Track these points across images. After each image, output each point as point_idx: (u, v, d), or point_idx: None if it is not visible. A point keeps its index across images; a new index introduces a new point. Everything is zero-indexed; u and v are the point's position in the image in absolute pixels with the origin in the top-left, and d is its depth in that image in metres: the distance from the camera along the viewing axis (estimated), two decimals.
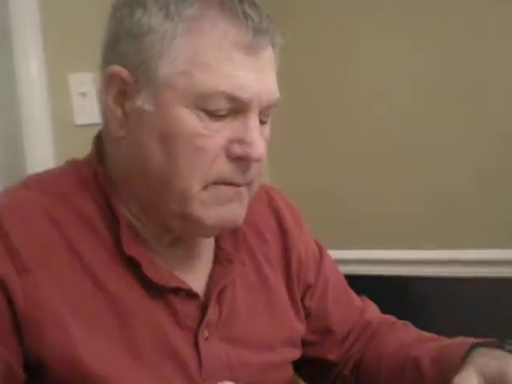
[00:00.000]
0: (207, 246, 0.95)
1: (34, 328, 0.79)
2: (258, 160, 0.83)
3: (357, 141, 2.05)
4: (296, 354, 1.04)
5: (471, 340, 0.91)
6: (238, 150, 0.82)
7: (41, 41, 1.75)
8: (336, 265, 1.15)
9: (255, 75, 0.82)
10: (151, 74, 0.81)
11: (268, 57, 0.85)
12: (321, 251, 1.12)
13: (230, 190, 0.84)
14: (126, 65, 0.82)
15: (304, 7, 2.08)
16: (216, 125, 0.81)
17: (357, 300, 1.14)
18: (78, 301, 0.82)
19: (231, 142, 0.82)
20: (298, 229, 1.08)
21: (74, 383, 0.80)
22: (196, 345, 0.88)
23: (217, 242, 0.96)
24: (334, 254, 1.19)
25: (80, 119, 1.80)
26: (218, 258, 0.94)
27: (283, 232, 1.05)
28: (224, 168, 0.82)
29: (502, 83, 1.81)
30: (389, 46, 1.96)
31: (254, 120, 0.83)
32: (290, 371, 1.03)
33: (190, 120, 0.80)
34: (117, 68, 0.83)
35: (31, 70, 1.74)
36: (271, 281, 1.01)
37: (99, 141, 0.92)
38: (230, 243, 0.95)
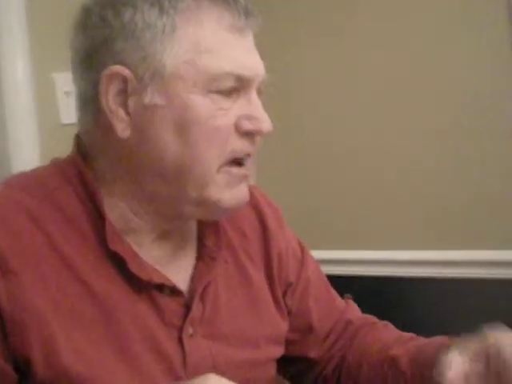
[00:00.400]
0: (191, 243, 0.96)
1: (19, 330, 0.79)
2: (268, 133, 0.88)
3: (334, 140, 2.07)
4: (280, 351, 1.04)
5: (449, 339, 0.93)
6: (249, 125, 0.87)
7: (26, 40, 1.74)
8: (318, 265, 1.16)
9: (249, 55, 0.88)
10: (156, 68, 0.83)
11: (252, 38, 0.90)
12: (303, 251, 1.13)
13: (239, 171, 0.88)
14: (124, 64, 0.84)
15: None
16: (226, 104, 0.85)
17: (338, 300, 1.15)
18: (62, 299, 0.82)
19: (240, 118, 0.86)
20: (279, 226, 1.09)
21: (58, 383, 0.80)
22: (180, 341, 0.89)
23: (199, 239, 0.96)
24: (317, 254, 1.20)
25: (66, 118, 1.79)
26: (201, 256, 0.95)
27: (264, 229, 1.06)
28: (236, 144, 0.87)
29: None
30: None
31: (255, 96, 0.88)
32: (273, 369, 1.04)
33: (203, 105, 0.84)
34: (117, 67, 0.83)
35: (17, 69, 1.73)
36: (253, 278, 1.02)
37: (80, 140, 0.92)
38: (212, 240, 0.96)
